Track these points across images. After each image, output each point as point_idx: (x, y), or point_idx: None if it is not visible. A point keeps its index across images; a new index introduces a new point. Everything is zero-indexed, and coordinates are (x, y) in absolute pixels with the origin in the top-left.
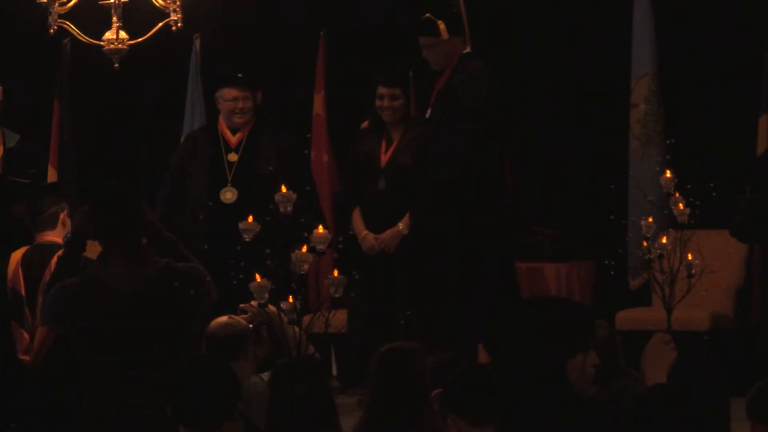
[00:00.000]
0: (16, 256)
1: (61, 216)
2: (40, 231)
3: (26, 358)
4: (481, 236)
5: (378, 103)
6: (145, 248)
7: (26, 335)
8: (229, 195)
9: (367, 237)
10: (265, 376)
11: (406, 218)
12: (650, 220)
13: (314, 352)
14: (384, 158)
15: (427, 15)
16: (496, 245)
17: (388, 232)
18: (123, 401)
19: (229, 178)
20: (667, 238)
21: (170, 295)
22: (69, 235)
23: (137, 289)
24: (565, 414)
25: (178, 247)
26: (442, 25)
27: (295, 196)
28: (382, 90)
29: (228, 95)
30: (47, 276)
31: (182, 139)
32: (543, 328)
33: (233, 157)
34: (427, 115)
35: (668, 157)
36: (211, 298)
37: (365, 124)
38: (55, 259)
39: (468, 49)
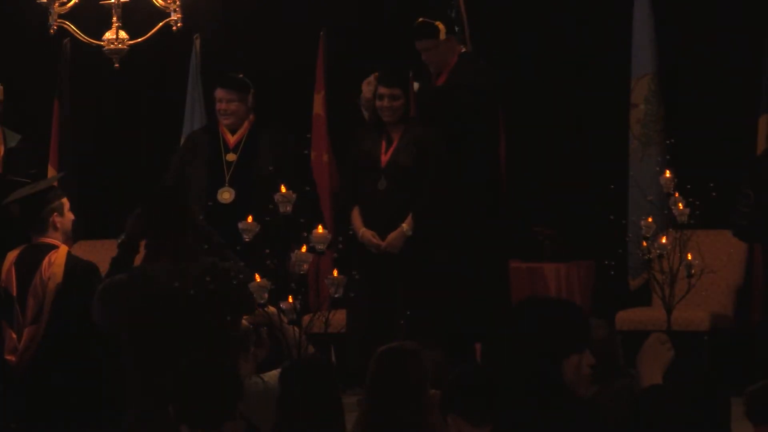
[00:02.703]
0: (11, 256)
1: (52, 218)
2: (33, 232)
3: (12, 358)
4: (480, 236)
5: (378, 103)
6: (192, 247)
7: (14, 335)
8: (226, 195)
9: (365, 233)
10: (266, 376)
11: (409, 219)
12: (650, 220)
13: (314, 352)
14: (384, 158)
15: (422, 19)
16: (494, 245)
17: (393, 234)
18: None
19: (227, 179)
20: (667, 238)
21: (215, 293)
22: (123, 237)
23: (183, 285)
24: (561, 414)
25: (225, 248)
26: (441, 26)
27: (294, 196)
28: (382, 90)
29: (216, 96)
30: (37, 277)
31: (182, 139)
32: (537, 329)
33: (231, 157)
34: None
35: (668, 157)
36: (254, 297)
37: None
38: (46, 260)
39: (464, 49)
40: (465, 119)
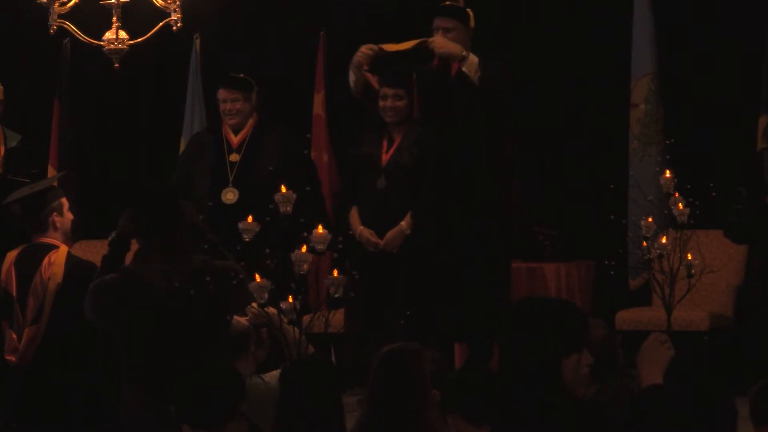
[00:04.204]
0: (11, 256)
1: (51, 218)
2: (33, 232)
3: (12, 358)
4: (481, 235)
5: (381, 103)
6: (182, 245)
7: (14, 336)
8: (230, 196)
9: (363, 232)
10: (266, 376)
11: (408, 218)
12: (650, 220)
13: (314, 352)
14: (385, 157)
15: (450, 2)
16: (496, 244)
17: (392, 233)
18: (159, 394)
19: (231, 179)
20: (667, 238)
21: (206, 292)
22: (114, 234)
23: (174, 284)
24: (561, 414)
25: (218, 246)
26: (471, 14)
27: (295, 196)
28: (386, 90)
29: (220, 96)
30: (37, 277)
31: (182, 139)
32: (537, 329)
33: (235, 157)
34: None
35: (668, 157)
36: (246, 295)
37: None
38: (46, 260)
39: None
40: (473, 116)
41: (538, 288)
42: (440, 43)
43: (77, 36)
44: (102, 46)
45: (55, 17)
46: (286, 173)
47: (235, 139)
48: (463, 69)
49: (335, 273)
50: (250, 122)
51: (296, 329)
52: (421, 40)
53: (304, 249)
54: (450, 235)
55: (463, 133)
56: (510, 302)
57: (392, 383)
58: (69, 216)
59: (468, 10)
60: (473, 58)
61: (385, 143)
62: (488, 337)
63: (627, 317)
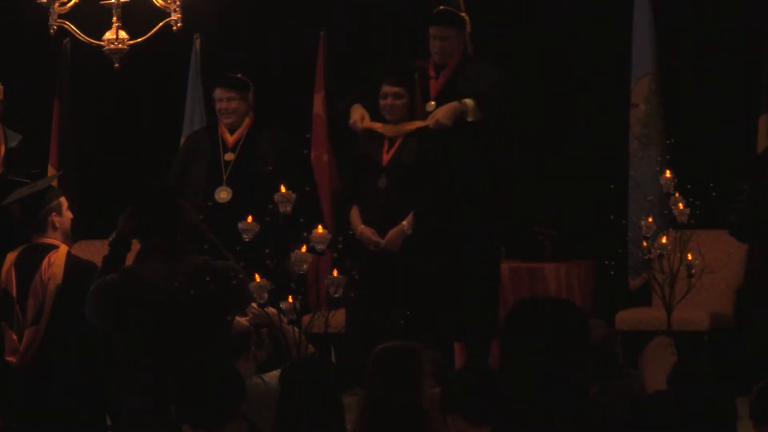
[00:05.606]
0: (11, 256)
1: (50, 218)
2: (32, 232)
3: (12, 359)
4: (481, 235)
5: (382, 102)
6: (183, 245)
7: (14, 336)
8: (223, 194)
9: (364, 231)
10: (266, 376)
11: (410, 217)
12: (650, 220)
13: (314, 352)
14: (386, 157)
15: (444, 7)
16: (493, 245)
17: (393, 232)
18: (159, 395)
19: (225, 178)
20: (667, 238)
21: (207, 292)
22: (114, 234)
23: (175, 284)
24: (561, 414)
25: (218, 246)
26: (466, 18)
27: (294, 196)
28: (387, 89)
29: (216, 95)
30: (37, 277)
31: (182, 139)
32: (537, 329)
33: (230, 156)
34: (429, 109)
35: (668, 157)
36: (246, 295)
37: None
38: (46, 261)
39: (462, 47)
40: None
41: (538, 288)
42: (438, 123)
43: (77, 36)
44: (102, 46)
45: (55, 17)
46: (282, 173)
47: (230, 139)
48: (469, 120)
49: (335, 273)
50: (246, 122)
51: (296, 329)
52: (423, 125)
53: (304, 249)
54: (450, 235)
55: (463, 134)
56: (499, 301)
57: (388, 381)
58: (68, 215)
59: (463, 14)
60: (469, 103)
61: (386, 143)
62: (485, 337)
63: (627, 317)
